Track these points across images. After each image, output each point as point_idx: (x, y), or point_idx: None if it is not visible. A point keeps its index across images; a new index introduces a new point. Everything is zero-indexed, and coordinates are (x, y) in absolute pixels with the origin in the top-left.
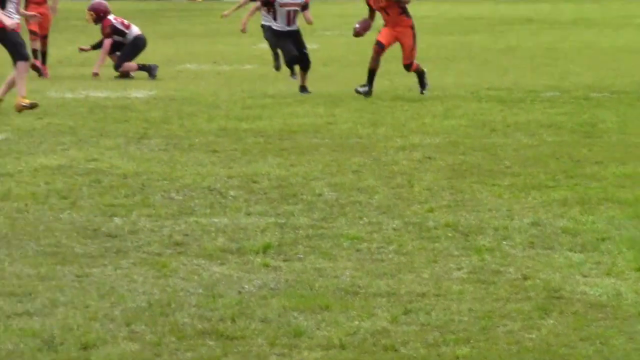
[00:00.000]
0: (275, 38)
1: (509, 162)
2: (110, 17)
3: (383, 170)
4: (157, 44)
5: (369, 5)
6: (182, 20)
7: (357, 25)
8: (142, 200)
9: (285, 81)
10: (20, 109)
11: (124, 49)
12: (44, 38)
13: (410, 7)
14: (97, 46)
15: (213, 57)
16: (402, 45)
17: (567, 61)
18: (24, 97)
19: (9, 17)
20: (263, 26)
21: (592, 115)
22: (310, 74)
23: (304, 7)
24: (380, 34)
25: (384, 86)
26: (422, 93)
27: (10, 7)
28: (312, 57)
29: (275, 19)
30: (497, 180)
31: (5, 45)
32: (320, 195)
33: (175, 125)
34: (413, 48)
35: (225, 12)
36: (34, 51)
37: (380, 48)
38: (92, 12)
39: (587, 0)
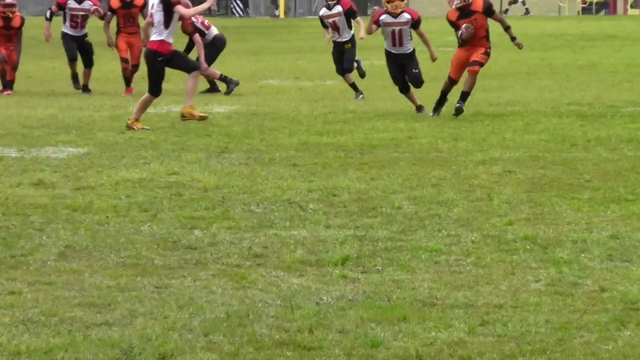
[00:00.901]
0: (386, 58)
1: (589, 176)
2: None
3: (462, 183)
4: (240, 60)
5: (451, 22)
6: (264, 36)
7: (464, 31)
8: (222, 213)
9: (366, 96)
10: (192, 117)
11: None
12: (134, 67)
13: (491, 24)
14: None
15: (295, 73)
16: (468, 57)
17: None
18: (192, 108)
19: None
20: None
21: None
22: (394, 89)
23: (415, 24)
24: (453, 64)
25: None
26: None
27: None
28: None
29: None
30: (577, 193)
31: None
32: (399, 208)
33: (256, 140)
34: (482, 54)
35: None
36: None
37: (451, 84)
38: None
39: None
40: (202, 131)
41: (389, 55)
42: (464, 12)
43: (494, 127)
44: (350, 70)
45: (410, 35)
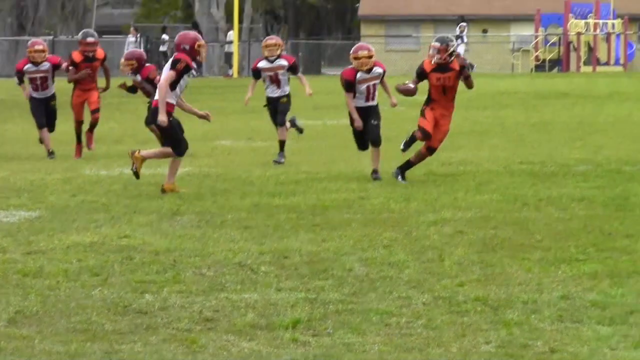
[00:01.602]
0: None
1: (540, 235)
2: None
3: (414, 244)
4: (192, 121)
5: (423, 71)
6: (217, 96)
7: (407, 87)
8: (173, 276)
9: (319, 157)
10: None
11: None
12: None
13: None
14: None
15: (248, 133)
16: (439, 127)
17: (601, 135)
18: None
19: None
20: None
21: (624, 189)
22: (344, 150)
23: (382, 79)
24: (427, 119)
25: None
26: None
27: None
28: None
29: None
30: (528, 254)
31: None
32: (350, 270)
33: (208, 202)
34: (446, 133)
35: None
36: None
37: (424, 136)
38: (133, 61)
39: (622, 74)
40: (154, 194)
41: (358, 110)
42: (441, 67)
43: (446, 187)
44: (283, 124)
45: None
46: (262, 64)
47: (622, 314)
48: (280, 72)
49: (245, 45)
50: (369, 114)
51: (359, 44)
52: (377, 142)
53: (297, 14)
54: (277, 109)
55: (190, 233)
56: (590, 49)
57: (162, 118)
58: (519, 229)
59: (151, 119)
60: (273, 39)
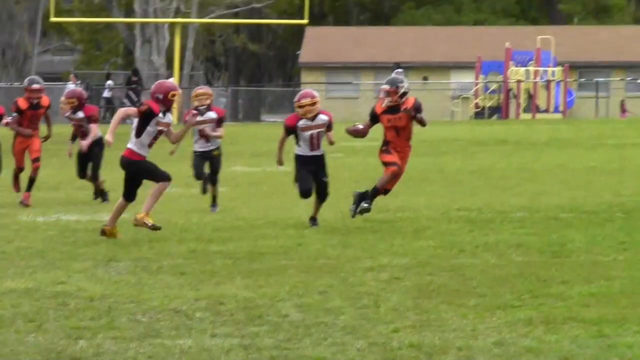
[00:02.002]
0: (297, 164)
1: (476, 282)
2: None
3: (350, 291)
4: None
5: (374, 114)
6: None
7: (356, 128)
8: (108, 322)
9: (257, 203)
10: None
11: (96, 159)
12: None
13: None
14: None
15: (186, 179)
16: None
17: (538, 182)
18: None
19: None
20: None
21: (561, 236)
22: (282, 196)
23: (329, 127)
24: (391, 155)
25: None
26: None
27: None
28: (286, 179)
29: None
30: (463, 300)
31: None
32: (286, 316)
33: (144, 248)
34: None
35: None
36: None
37: (399, 169)
38: (74, 100)
39: (561, 121)
40: (91, 240)
41: (301, 159)
42: (392, 108)
43: (383, 233)
44: (216, 182)
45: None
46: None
47: None
48: (209, 125)
49: (187, 92)
50: (317, 166)
51: (303, 91)
52: (324, 199)
53: (237, 61)
54: (212, 166)
55: (126, 279)
56: (530, 97)
57: (108, 138)
58: (455, 275)
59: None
60: (202, 89)
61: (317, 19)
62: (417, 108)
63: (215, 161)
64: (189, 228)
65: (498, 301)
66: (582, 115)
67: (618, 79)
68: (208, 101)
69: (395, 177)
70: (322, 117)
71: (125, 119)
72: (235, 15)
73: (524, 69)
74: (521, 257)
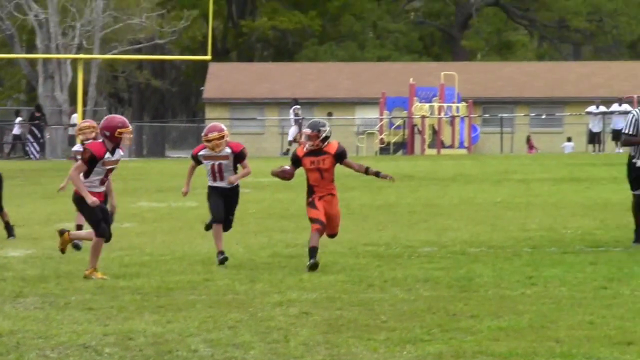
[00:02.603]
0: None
1: (385, 316)
2: None
3: (259, 325)
4: (35, 203)
5: (296, 157)
6: (60, 179)
7: (282, 169)
8: (16, 358)
9: (163, 239)
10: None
11: None
12: None
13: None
14: None
15: None
16: (331, 215)
17: (445, 217)
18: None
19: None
20: None
21: (469, 270)
22: (189, 231)
23: (238, 158)
24: (317, 209)
25: (262, 243)
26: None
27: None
28: (191, 215)
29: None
30: (373, 334)
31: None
32: (195, 351)
33: (52, 284)
34: (339, 216)
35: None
36: None
37: (323, 227)
38: None
39: (466, 157)
40: None
41: (209, 188)
42: (314, 150)
43: (291, 268)
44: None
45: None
46: (77, 147)
47: None
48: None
49: None
50: (226, 199)
51: (211, 124)
52: (226, 230)
53: (141, 96)
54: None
55: (34, 315)
56: (435, 132)
57: (90, 200)
58: (364, 310)
59: (77, 207)
60: (87, 122)
61: (221, 55)
62: (342, 154)
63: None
64: None
65: (408, 335)
66: (487, 150)
67: (522, 114)
68: (93, 134)
69: (321, 234)
70: (226, 150)
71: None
72: (138, 51)
73: (428, 104)
74: (429, 291)
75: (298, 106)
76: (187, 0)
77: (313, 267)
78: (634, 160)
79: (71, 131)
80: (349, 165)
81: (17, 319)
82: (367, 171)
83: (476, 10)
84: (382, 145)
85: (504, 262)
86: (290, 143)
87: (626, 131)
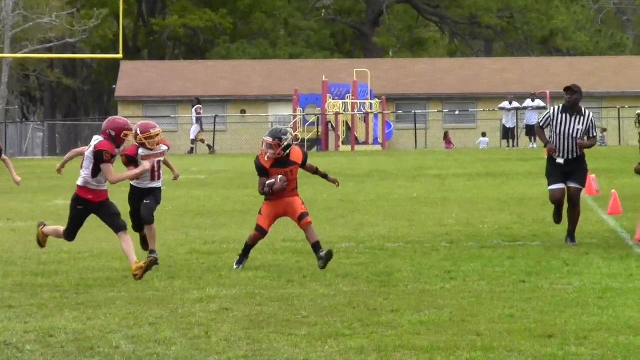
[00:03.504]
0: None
1: (306, 311)
2: None
3: (180, 322)
4: None
5: (263, 168)
6: None
7: (281, 185)
8: None
9: (80, 236)
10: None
11: None
12: None
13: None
14: None
15: (7, 214)
16: (291, 212)
17: (362, 212)
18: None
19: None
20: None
21: (387, 265)
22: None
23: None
24: (265, 216)
25: (179, 240)
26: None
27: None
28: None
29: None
30: (294, 329)
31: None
32: (117, 347)
33: None
34: (303, 205)
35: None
36: None
37: (261, 235)
38: None
39: (380, 153)
40: None
41: (136, 191)
42: (280, 161)
43: (209, 264)
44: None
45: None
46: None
47: None
48: None
49: (2, 126)
50: (150, 195)
51: (143, 122)
52: (148, 220)
53: (53, 95)
54: None
55: None
56: (349, 129)
57: (143, 166)
58: (284, 305)
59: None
60: None
61: (132, 54)
62: (306, 160)
63: None
64: (13, 261)
65: (329, 330)
66: (400, 146)
67: (435, 110)
68: None
69: (257, 240)
70: (162, 147)
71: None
72: (49, 50)
73: (341, 101)
74: (349, 286)
75: (200, 105)
76: (97, 0)
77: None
78: (553, 156)
79: None
80: (309, 169)
81: None
82: (316, 172)
83: (387, 7)
84: (297, 142)
85: (423, 257)
86: (192, 142)
87: (540, 122)
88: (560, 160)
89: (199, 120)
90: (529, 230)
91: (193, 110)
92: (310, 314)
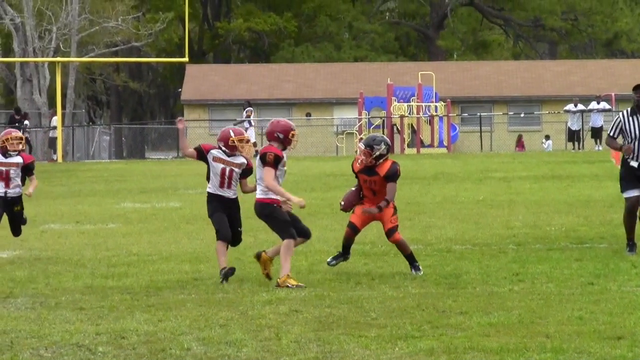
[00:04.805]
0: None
1: (375, 313)
2: None
3: (250, 324)
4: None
5: (353, 171)
6: (43, 181)
7: (342, 202)
8: (11, 358)
9: (149, 239)
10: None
11: None
12: None
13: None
14: None
15: (76, 217)
16: (382, 221)
17: (429, 215)
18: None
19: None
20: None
21: (455, 267)
22: (175, 231)
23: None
24: (356, 214)
25: (248, 242)
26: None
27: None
28: (176, 215)
29: None
30: (364, 331)
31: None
32: (188, 349)
33: (41, 284)
34: (394, 215)
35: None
36: None
37: (353, 232)
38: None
39: (446, 155)
40: None
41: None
42: (367, 169)
43: (277, 267)
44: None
45: None
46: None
47: None
48: (13, 168)
49: (69, 130)
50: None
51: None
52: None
53: (119, 99)
54: (13, 216)
55: (25, 315)
56: (414, 132)
57: (296, 200)
58: (353, 307)
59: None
60: (14, 132)
61: (197, 57)
62: (390, 177)
63: (18, 214)
64: (83, 264)
65: (398, 332)
66: (465, 149)
67: (500, 113)
68: (20, 146)
69: (349, 237)
70: (241, 158)
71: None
72: (115, 54)
73: (406, 104)
74: (417, 288)
75: (250, 108)
76: (162, 3)
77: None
78: (627, 159)
79: (52, 134)
80: (389, 190)
81: (9, 319)
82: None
83: (451, 10)
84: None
85: (490, 259)
86: (254, 144)
87: (611, 133)
88: (634, 164)
89: (250, 122)
90: (596, 232)
91: (244, 113)
92: (379, 316)
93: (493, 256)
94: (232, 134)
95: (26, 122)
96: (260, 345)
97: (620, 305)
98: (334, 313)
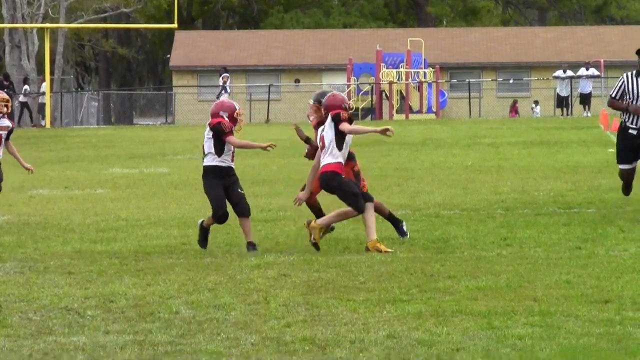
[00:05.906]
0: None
1: (363, 277)
2: None
3: (239, 287)
4: (8, 171)
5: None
6: (31, 147)
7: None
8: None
9: (137, 204)
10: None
11: None
12: None
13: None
14: None
15: (64, 182)
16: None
17: (417, 180)
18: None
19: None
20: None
21: (443, 232)
22: (163, 197)
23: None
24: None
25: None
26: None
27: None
28: (164, 180)
29: None
30: (352, 295)
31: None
32: (177, 313)
33: (30, 249)
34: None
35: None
36: None
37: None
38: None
39: (434, 122)
40: None
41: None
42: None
43: (266, 232)
44: None
45: None
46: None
47: (448, 351)
48: (3, 132)
49: (57, 96)
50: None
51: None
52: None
53: (108, 65)
54: None
55: (14, 279)
56: (403, 98)
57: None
58: (342, 272)
59: (324, 185)
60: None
61: (186, 23)
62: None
63: None
64: (72, 229)
65: (387, 296)
66: (454, 115)
67: (489, 79)
68: (5, 109)
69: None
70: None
71: None
72: (104, 20)
73: (395, 70)
74: (406, 253)
75: (227, 74)
76: None
77: None
78: (628, 125)
79: (41, 99)
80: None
81: None
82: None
83: None
84: (351, 111)
85: (478, 224)
86: None
87: (612, 94)
88: (633, 131)
89: (225, 88)
90: (584, 197)
91: (220, 79)
92: (367, 280)
93: (481, 221)
94: (237, 106)
95: (26, 87)
96: (248, 309)
97: (608, 270)
98: (323, 277)
